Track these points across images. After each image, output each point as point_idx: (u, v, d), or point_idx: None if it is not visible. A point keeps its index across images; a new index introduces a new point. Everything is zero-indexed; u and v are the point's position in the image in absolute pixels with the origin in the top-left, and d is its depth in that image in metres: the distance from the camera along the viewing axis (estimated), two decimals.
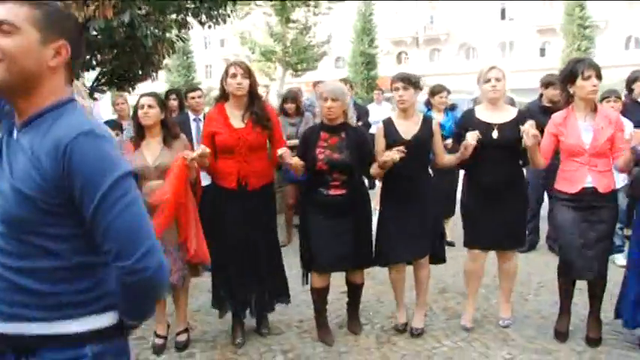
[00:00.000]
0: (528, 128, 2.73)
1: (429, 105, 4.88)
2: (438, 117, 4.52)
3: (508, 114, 2.98)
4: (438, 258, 3.09)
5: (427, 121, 3.05)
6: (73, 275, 1.07)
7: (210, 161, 2.87)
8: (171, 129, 2.95)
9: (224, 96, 2.93)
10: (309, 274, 2.98)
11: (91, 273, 1.09)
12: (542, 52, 29.87)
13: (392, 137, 2.94)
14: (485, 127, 2.91)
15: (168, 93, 4.94)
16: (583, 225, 2.76)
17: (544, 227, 4.68)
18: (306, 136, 2.98)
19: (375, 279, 3.88)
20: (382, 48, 28.17)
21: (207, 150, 2.76)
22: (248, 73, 2.86)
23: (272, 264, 3.04)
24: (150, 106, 2.88)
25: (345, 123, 2.90)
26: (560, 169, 2.89)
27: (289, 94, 5.01)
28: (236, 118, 2.89)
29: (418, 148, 2.94)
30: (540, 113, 4.06)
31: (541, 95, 4.49)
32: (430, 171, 3.14)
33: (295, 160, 2.76)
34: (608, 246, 2.84)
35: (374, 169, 2.87)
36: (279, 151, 2.76)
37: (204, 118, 4.43)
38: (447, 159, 3.06)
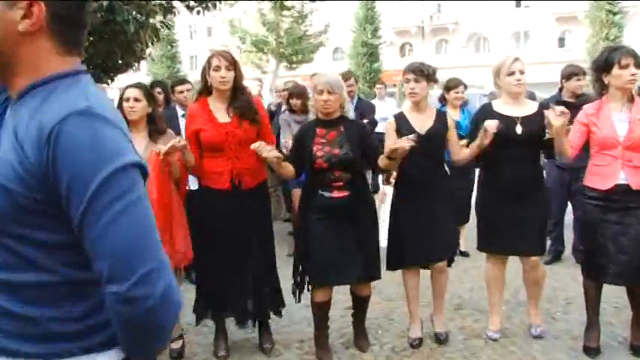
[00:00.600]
0: (555, 108, 2.75)
1: (443, 101, 4.84)
2: (453, 114, 4.47)
3: (529, 108, 3.03)
4: (448, 260, 3.14)
5: (441, 114, 3.12)
6: (63, 295, 0.90)
7: (196, 161, 2.87)
8: (158, 124, 2.96)
9: (206, 89, 2.93)
10: (305, 288, 2.97)
11: (86, 294, 0.91)
12: (562, 42, 29.88)
13: (405, 131, 2.95)
14: (507, 122, 2.93)
15: (153, 85, 4.86)
16: (616, 227, 2.74)
17: (568, 236, 4.63)
18: (301, 133, 2.99)
19: (383, 293, 3.83)
20: (385, 39, 28.21)
21: (183, 142, 2.77)
22: (233, 65, 2.86)
23: (268, 267, 3.05)
24: (136, 100, 2.88)
25: (343, 116, 2.90)
26: (591, 164, 2.88)
27: (296, 89, 4.96)
28: (220, 113, 2.90)
29: (433, 143, 2.97)
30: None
31: (561, 89, 4.44)
32: (447, 170, 3.17)
33: (272, 154, 2.70)
34: None
35: (382, 160, 2.86)
36: (252, 146, 2.70)
37: None
38: (464, 152, 3.10)
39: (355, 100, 4.93)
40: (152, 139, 2.89)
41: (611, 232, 2.74)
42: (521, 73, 2.93)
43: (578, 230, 4.38)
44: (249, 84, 3.78)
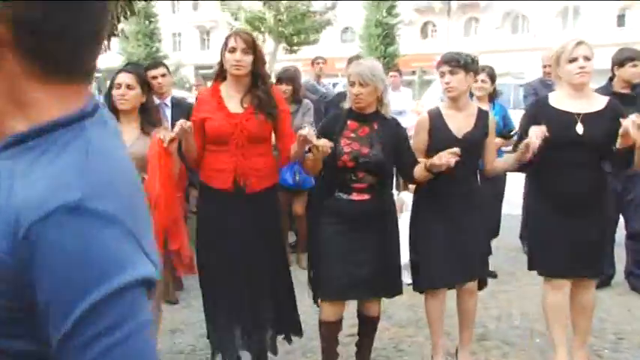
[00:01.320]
0: (636, 121, 2.68)
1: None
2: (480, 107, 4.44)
3: (596, 102, 2.98)
4: (480, 281, 3.19)
5: (484, 115, 3.13)
6: None
7: (197, 152, 2.96)
8: (152, 114, 3.02)
9: (221, 74, 3.01)
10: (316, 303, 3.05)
11: None
12: (621, 20, 29.59)
13: (439, 133, 3.00)
14: (566, 120, 2.90)
15: (125, 69, 4.87)
16: None
17: (620, 256, 4.54)
18: (329, 123, 3.06)
19: (392, 319, 3.83)
20: (403, 17, 28.27)
21: (188, 124, 2.83)
22: (252, 48, 2.93)
23: (278, 288, 3.08)
24: (129, 86, 2.92)
25: (379, 112, 2.98)
26: None
27: (285, 73, 4.98)
28: (233, 101, 2.97)
29: (470, 149, 3.00)
30: None
31: (611, 78, 4.40)
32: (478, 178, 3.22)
33: (323, 141, 2.76)
34: None
35: (419, 172, 2.93)
36: (302, 131, 2.77)
37: (171, 104, 4.42)
38: (500, 165, 3.12)
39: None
40: (144, 131, 2.93)
41: None
42: (587, 59, 2.87)
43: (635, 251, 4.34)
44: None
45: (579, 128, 2.89)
